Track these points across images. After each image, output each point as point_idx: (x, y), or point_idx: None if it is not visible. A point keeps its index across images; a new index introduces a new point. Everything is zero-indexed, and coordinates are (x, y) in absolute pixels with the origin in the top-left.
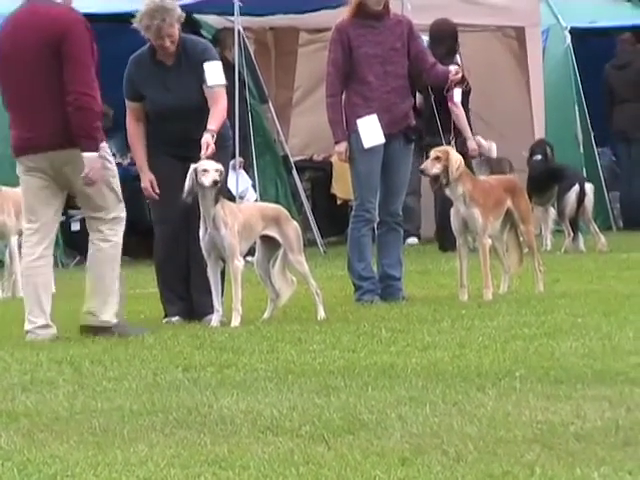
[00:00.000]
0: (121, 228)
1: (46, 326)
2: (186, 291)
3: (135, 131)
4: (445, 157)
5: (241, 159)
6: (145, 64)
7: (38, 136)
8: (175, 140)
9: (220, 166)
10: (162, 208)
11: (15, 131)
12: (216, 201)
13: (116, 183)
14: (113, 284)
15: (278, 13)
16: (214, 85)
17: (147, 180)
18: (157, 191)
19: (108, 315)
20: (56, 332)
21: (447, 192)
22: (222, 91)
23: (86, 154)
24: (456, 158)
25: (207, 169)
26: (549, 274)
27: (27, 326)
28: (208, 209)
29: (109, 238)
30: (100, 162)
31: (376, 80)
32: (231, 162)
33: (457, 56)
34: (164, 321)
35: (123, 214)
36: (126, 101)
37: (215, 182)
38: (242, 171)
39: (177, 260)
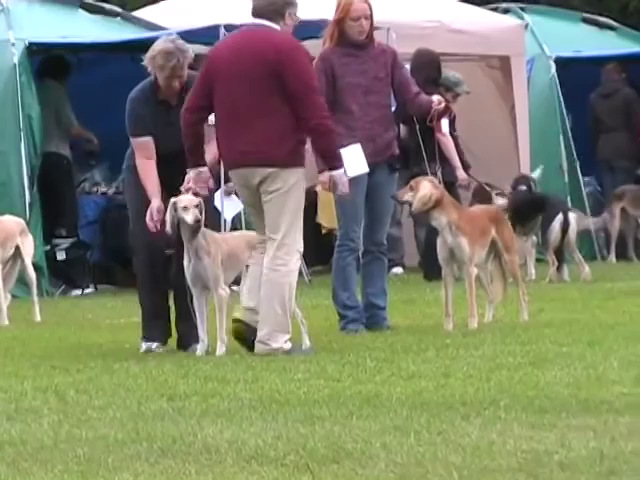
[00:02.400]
0: (292, 259)
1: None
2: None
3: (148, 168)
4: (416, 187)
5: (231, 184)
6: (149, 103)
7: (249, 151)
8: (170, 178)
9: (199, 200)
10: (146, 238)
11: (226, 146)
12: (196, 232)
13: (300, 214)
14: (283, 313)
15: None
16: (212, 124)
17: (155, 207)
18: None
19: (279, 343)
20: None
21: (433, 222)
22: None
23: (334, 172)
24: (424, 191)
25: (187, 206)
26: (534, 303)
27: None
28: (190, 241)
29: (277, 268)
30: (346, 178)
31: (359, 110)
32: (220, 190)
33: (463, 87)
34: (143, 346)
35: (298, 246)
36: (134, 139)
37: (197, 220)
38: (234, 196)
39: (160, 285)
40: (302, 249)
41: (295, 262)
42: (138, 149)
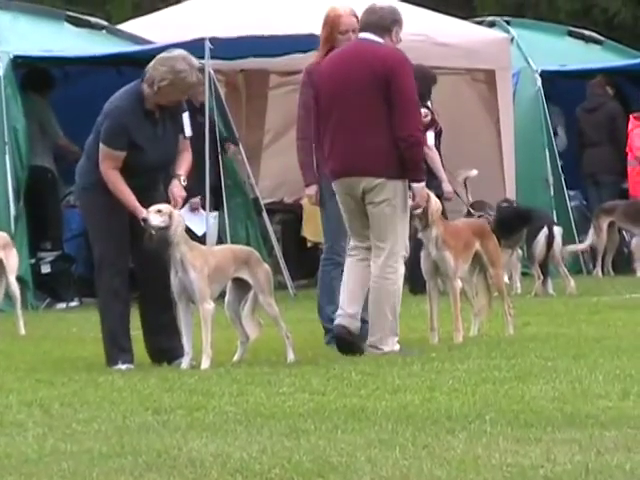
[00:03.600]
0: (400, 266)
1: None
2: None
3: (117, 176)
4: (425, 200)
5: (197, 200)
6: (136, 113)
7: (356, 161)
8: (143, 186)
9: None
10: (119, 253)
11: (332, 156)
12: (168, 244)
13: (405, 221)
14: (393, 318)
15: (249, 56)
16: (189, 137)
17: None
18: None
19: (390, 346)
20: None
21: (420, 235)
22: (189, 141)
23: (415, 184)
24: (435, 201)
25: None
26: (519, 317)
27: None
28: (173, 252)
29: (388, 276)
30: (426, 192)
31: None
32: (187, 204)
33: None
34: (123, 367)
35: (403, 253)
36: (109, 150)
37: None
38: (202, 211)
39: (128, 305)
40: (407, 253)
41: (402, 267)
42: (110, 159)
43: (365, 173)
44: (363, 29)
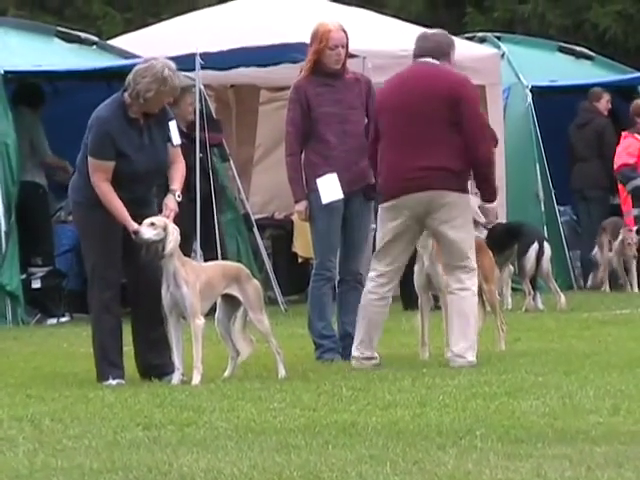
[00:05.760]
0: (475, 281)
1: (370, 358)
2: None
3: (109, 189)
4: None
5: None
6: (120, 121)
7: (415, 178)
8: (136, 200)
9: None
10: (113, 266)
11: (392, 174)
12: (160, 257)
13: (472, 233)
14: (474, 328)
15: (240, 66)
16: (177, 145)
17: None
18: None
19: (472, 356)
20: (379, 362)
21: (418, 247)
22: (180, 150)
23: (488, 205)
24: None
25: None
26: (510, 333)
27: (354, 352)
28: (166, 265)
29: (469, 287)
30: (497, 210)
31: (335, 139)
32: None
33: None
34: (113, 382)
35: (474, 265)
36: (97, 162)
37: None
38: None
39: (119, 320)
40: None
41: (475, 282)
42: (100, 171)
43: (429, 187)
44: (420, 55)
